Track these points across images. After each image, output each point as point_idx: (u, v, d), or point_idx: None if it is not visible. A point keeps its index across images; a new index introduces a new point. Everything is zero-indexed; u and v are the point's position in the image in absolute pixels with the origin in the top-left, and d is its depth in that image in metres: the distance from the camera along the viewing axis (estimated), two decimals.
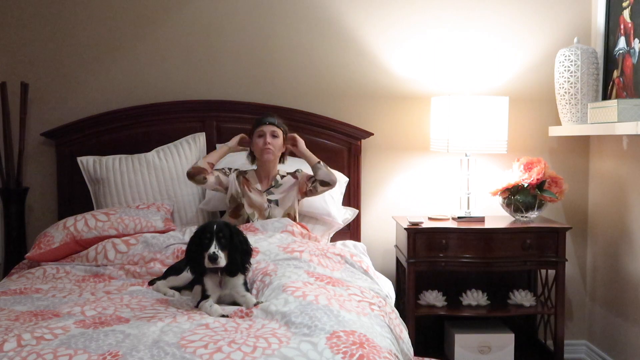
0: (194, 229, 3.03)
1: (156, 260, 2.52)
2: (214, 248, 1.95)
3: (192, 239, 2.04)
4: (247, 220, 2.83)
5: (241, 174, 2.91)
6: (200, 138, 3.23)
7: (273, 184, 2.88)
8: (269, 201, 2.86)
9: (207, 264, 1.96)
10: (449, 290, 3.23)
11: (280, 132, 2.84)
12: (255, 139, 2.85)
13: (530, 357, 3.20)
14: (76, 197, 3.21)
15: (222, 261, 1.96)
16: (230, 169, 2.93)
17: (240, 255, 2.02)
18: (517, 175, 3.14)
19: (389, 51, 3.37)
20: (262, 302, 1.96)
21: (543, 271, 3.30)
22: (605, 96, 3.13)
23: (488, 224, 3.09)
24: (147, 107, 3.27)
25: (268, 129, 2.82)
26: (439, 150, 3.18)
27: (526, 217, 3.15)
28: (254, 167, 2.93)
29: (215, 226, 1.99)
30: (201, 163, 2.81)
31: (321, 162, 2.87)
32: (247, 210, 2.84)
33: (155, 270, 2.46)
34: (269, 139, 2.80)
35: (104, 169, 3.08)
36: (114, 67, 3.33)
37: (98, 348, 1.60)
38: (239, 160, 3.02)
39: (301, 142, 2.91)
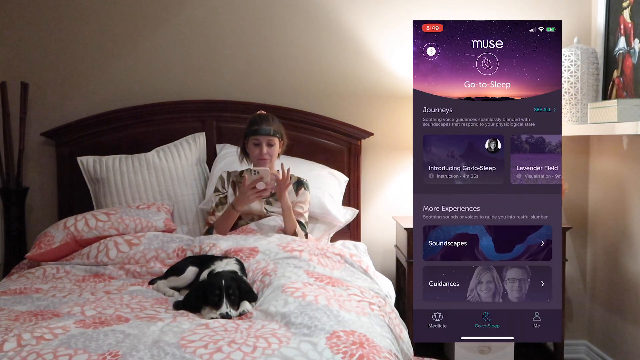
0: (195, 229, 3.10)
1: (157, 260, 2.52)
2: (225, 308, 1.91)
3: (196, 291, 2.02)
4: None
5: (236, 183, 2.87)
6: (200, 138, 3.23)
7: (273, 191, 2.80)
8: (267, 210, 2.85)
9: (213, 315, 1.92)
10: None
11: (276, 140, 2.80)
12: (251, 145, 2.80)
13: (530, 357, 3.20)
14: (76, 197, 3.21)
15: (234, 315, 1.93)
16: (225, 179, 2.91)
17: (250, 303, 2.00)
18: None
19: (388, 51, 3.37)
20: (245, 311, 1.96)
21: None
22: (605, 96, 3.13)
23: None
24: (147, 107, 3.27)
25: (264, 138, 2.77)
26: None
27: None
28: (250, 166, 2.88)
29: (223, 282, 1.95)
30: (219, 229, 2.78)
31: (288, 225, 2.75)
32: (245, 219, 2.83)
33: (156, 270, 2.46)
34: (265, 149, 2.77)
35: (104, 169, 3.08)
36: (114, 67, 3.33)
37: (98, 348, 1.61)
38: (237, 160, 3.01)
39: (284, 192, 2.72)
